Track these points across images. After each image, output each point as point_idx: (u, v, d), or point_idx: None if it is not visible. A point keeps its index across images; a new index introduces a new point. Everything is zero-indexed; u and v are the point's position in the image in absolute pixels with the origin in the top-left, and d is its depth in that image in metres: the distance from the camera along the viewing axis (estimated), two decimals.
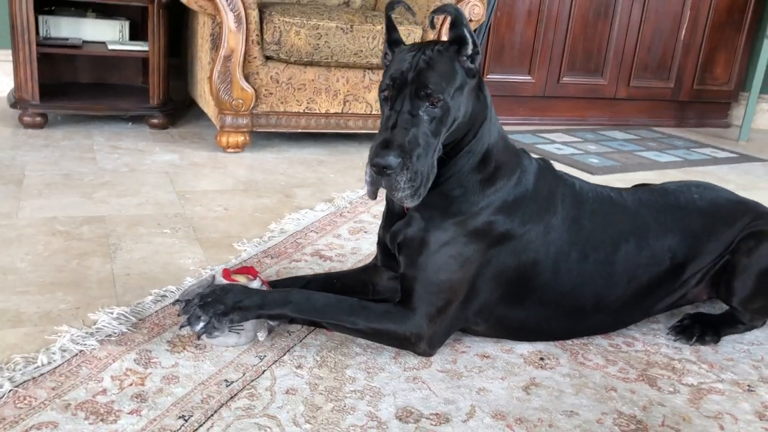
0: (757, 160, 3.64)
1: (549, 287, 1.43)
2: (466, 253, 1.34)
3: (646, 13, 4.06)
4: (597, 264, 1.45)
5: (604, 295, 1.47)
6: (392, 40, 1.38)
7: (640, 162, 3.34)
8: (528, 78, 3.90)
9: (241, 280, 1.38)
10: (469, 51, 1.29)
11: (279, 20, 2.63)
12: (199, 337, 1.28)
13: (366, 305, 1.35)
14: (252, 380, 1.25)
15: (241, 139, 2.76)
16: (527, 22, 3.78)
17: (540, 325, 1.47)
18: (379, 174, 1.22)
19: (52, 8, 3.03)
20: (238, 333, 1.33)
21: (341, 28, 2.72)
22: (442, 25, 2.90)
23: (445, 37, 2.91)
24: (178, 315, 1.31)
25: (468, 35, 1.28)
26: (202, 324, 1.26)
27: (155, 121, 3.02)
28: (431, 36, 2.92)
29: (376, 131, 2.96)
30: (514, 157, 1.41)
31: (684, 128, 4.45)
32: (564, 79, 4.00)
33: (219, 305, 1.27)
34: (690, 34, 4.24)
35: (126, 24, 3.14)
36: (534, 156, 1.49)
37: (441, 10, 1.30)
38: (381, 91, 1.30)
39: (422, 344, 1.35)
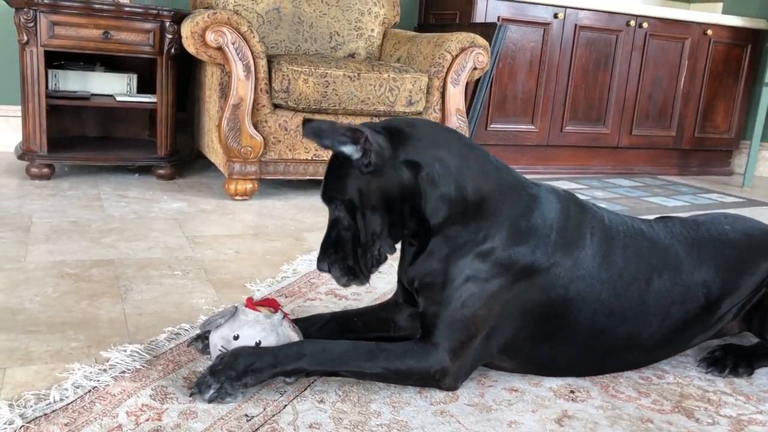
0: (765, 205, 3.64)
1: (579, 326, 1.37)
2: (488, 287, 1.29)
3: (645, 62, 4.13)
4: (630, 302, 1.39)
5: (636, 333, 1.41)
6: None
7: (649, 207, 3.33)
8: (531, 127, 3.93)
9: (263, 311, 1.34)
10: (354, 158, 1.26)
11: (287, 68, 2.66)
12: (210, 402, 1.21)
13: (384, 347, 1.29)
14: (273, 415, 1.19)
15: (249, 186, 2.75)
16: (529, 72, 3.83)
17: (568, 363, 1.41)
18: (322, 272, 1.35)
19: (61, 63, 3.06)
20: None
21: (348, 76, 2.75)
22: (449, 68, 2.94)
23: (451, 84, 2.94)
24: (189, 391, 1.25)
25: (342, 148, 1.24)
26: (212, 391, 1.20)
27: (162, 171, 3.02)
28: (437, 83, 2.95)
29: None
30: (507, 190, 1.35)
31: (687, 176, 4.47)
32: (567, 128, 4.03)
33: (230, 371, 1.21)
34: (689, 83, 4.30)
35: (134, 77, 3.17)
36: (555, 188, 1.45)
37: (306, 132, 1.26)
38: None
39: (447, 379, 1.30)
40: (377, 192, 1.28)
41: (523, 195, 1.36)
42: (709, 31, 4.24)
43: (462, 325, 1.28)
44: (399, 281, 1.49)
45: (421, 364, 1.28)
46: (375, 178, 1.27)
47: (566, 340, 1.37)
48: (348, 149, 1.25)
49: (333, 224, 1.33)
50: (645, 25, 4.04)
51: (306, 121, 1.28)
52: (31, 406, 1.15)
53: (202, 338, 1.37)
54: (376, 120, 2.86)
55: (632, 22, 4.01)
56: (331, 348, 1.27)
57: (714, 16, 4.28)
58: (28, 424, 1.10)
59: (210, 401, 1.20)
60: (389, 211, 1.30)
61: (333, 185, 1.31)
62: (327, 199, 1.33)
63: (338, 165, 1.30)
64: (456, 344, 1.28)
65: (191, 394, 1.22)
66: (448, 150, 1.32)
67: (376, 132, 1.27)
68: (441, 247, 1.32)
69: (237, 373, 1.21)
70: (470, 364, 1.33)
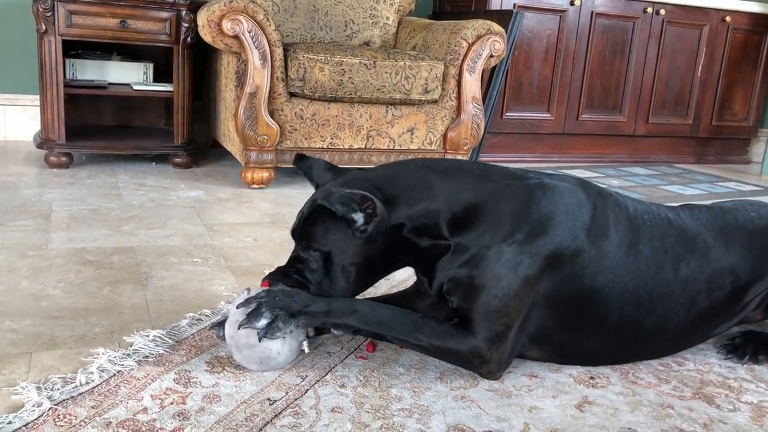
0: None
1: (607, 317, 1.36)
2: (516, 278, 1.27)
3: (662, 50, 4.09)
4: (658, 292, 1.38)
5: (664, 323, 1.41)
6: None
7: (665, 195, 3.31)
8: (547, 115, 3.91)
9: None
10: (357, 225, 1.28)
11: (303, 57, 2.66)
12: (260, 339, 1.22)
13: (428, 322, 1.29)
14: (295, 399, 1.20)
15: (265, 175, 2.76)
16: (545, 60, 3.81)
17: (595, 353, 1.41)
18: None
19: (79, 52, 3.08)
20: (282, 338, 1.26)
21: (364, 64, 2.74)
22: (465, 56, 2.93)
23: (467, 72, 2.93)
24: (237, 307, 1.25)
25: (353, 215, 1.26)
26: (265, 320, 1.22)
27: (179, 160, 3.03)
28: (453, 71, 2.94)
29: None
30: (503, 188, 1.34)
31: (704, 164, 4.43)
32: (583, 116, 4.00)
33: (287, 306, 1.23)
34: (707, 71, 4.26)
35: (150, 66, 3.18)
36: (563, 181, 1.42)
37: (319, 195, 1.33)
38: None
39: (487, 366, 1.29)
40: (361, 255, 1.32)
41: (520, 187, 1.34)
42: (728, 18, 4.20)
43: (497, 316, 1.26)
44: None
45: (461, 347, 1.27)
46: (365, 243, 1.30)
47: (594, 330, 1.36)
48: (357, 216, 1.27)
49: (296, 260, 1.35)
50: (662, 12, 4.01)
51: (299, 157, 1.34)
52: (58, 389, 1.17)
53: (224, 324, 1.38)
54: (392, 108, 2.86)
55: (649, 9, 3.97)
56: (380, 311, 1.28)
57: (732, 2, 4.23)
58: (56, 407, 1.11)
59: (260, 337, 1.22)
60: (365, 269, 1.34)
61: (313, 232, 1.32)
62: (302, 242, 1.33)
63: (324, 216, 1.30)
64: (492, 335, 1.27)
65: (239, 326, 1.22)
66: (425, 193, 1.32)
67: (381, 202, 1.28)
68: (455, 258, 1.32)
69: (292, 310, 1.23)
70: (510, 353, 1.32)
